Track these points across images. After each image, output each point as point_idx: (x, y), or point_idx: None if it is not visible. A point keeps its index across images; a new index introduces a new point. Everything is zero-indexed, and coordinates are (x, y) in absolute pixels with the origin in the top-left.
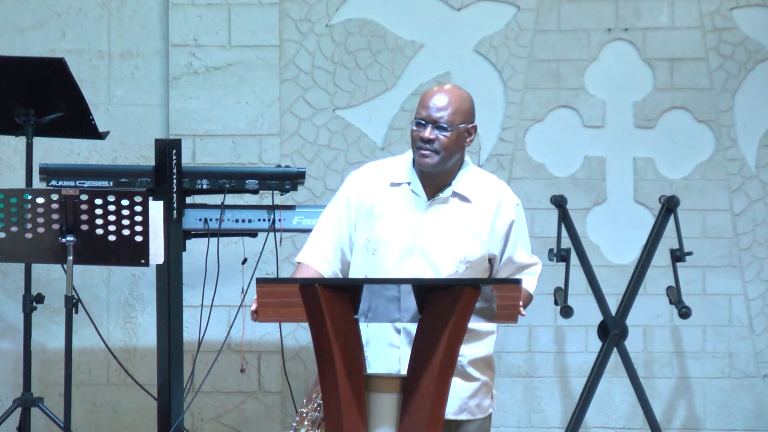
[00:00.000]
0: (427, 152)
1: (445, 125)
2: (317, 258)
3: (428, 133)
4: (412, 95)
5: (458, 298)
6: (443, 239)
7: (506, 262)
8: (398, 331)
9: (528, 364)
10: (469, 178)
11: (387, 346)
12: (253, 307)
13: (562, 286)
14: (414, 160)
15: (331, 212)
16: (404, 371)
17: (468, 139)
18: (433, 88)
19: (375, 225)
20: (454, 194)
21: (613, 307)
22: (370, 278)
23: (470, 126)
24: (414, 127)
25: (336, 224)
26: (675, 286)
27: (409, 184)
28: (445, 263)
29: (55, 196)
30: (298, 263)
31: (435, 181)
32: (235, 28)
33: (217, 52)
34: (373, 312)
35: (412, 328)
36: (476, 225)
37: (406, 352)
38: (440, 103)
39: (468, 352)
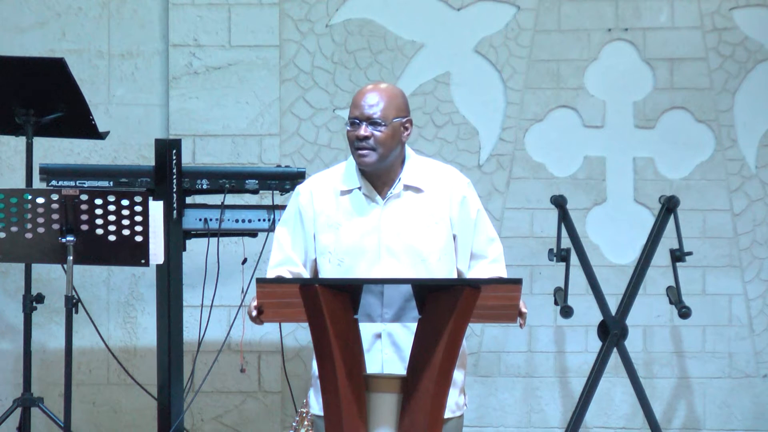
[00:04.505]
0: (364, 151)
1: (379, 120)
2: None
3: (363, 130)
4: (412, 95)
5: (458, 298)
6: (407, 235)
7: (467, 239)
8: (379, 335)
9: (528, 364)
10: (416, 168)
11: (370, 349)
12: (253, 305)
13: (562, 286)
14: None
15: (284, 234)
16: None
17: (405, 134)
18: (365, 87)
19: (333, 236)
20: (406, 188)
21: (613, 307)
22: (370, 278)
23: (405, 120)
24: (349, 128)
25: (292, 242)
26: (675, 286)
27: (360, 189)
28: (416, 259)
29: (55, 196)
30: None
31: (383, 179)
32: (235, 28)
33: (217, 52)
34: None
35: (394, 329)
36: (435, 212)
37: (388, 354)
38: (372, 100)
39: None
